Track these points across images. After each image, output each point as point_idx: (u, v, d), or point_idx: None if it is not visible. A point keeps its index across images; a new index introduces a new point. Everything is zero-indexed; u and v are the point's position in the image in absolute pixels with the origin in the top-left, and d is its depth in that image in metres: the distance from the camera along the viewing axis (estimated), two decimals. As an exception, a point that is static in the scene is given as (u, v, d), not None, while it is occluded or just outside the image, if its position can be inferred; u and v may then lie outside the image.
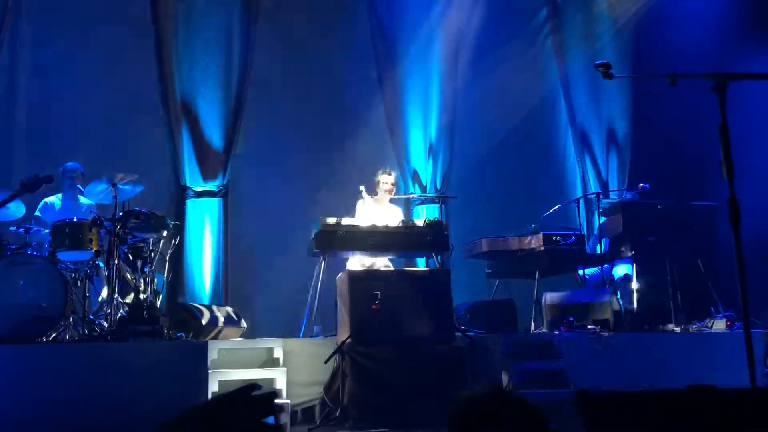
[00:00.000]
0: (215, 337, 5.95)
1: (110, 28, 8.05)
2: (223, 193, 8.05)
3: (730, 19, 8.86)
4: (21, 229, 5.91)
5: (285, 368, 5.45)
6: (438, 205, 6.96)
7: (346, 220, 6.21)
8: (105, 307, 5.70)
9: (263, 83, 8.41)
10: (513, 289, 7.40)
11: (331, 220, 6.13)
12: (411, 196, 8.32)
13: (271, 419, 1.18)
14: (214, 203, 8.00)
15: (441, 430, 1.17)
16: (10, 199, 5.71)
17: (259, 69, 8.36)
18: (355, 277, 5.51)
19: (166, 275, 6.45)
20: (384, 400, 5.07)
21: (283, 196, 8.30)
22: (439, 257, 6.30)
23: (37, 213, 6.46)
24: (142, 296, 5.77)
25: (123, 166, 6.56)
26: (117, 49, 8.06)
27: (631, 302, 7.03)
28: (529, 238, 6.97)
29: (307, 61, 8.69)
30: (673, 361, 6.06)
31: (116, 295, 5.63)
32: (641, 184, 7.27)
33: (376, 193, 6.73)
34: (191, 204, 7.96)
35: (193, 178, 8.00)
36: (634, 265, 7.24)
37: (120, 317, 5.52)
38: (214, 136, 8.07)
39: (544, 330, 6.58)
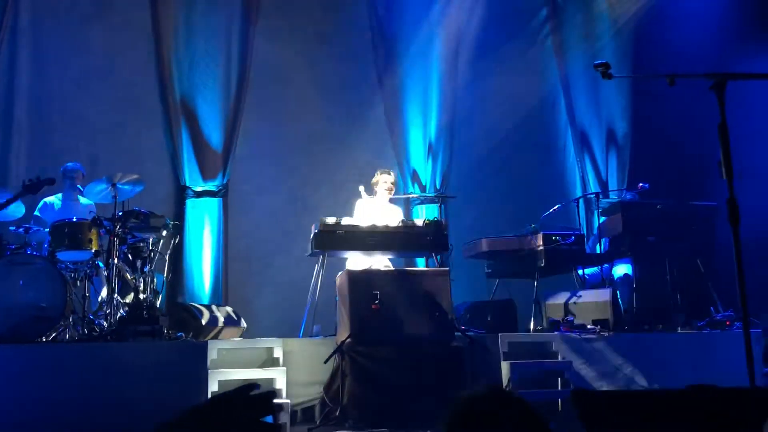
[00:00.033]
0: (215, 337, 5.95)
1: (110, 28, 8.06)
2: (222, 193, 8.06)
3: (730, 19, 8.86)
4: (21, 229, 5.92)
5: (285, 368, 5.45)
6: (437, 204, 6.95)
7: (345, 220, 6.21)
8: (105, 307, 5.70)
9: (263, 83, 8.41)
10: (513, 289, 7.40)
11: (331, 220, 6.13)
12: (410, 195, 8.32)
13: (269, 419, 1.18)
14: (214, 203, 8.00)
15: (441, 430, 1.17)
16: (13, 200, 5.73)
17: (259, 69, 8.36)
18: (354, 277, 5.51)
19: (165, 275, 6.45)
20: (384, 399, 5.07)
21: (283, 196, 8.31)
22: (438, 257, 6.30)
23: (36, 213, 6.46)
24: (141, 296, 5.78)
25: (123, 166, 6.57)
26: (117, 49, 8.07)
27: (631, 302, 7.03)
28: (529, 237, 6.97)
29: (306, 60, 8.69)
30: (672, 361, 6.06)
31: (116, 295, 5.64)
32: (641, 184, 7.27)
33: (374, 193, 6.73)
34: (191, 204, 7.97)
35: (192, 177, 8.01)
36: (634, 265, 7.24)
37: (120, 317, 5.52)
38: (214, 136, 8.07)
39: (543, 330, 6.57)
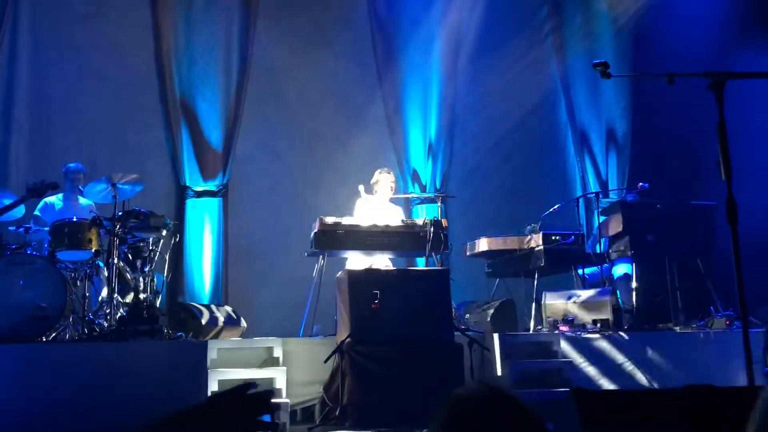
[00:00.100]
0: (215, 337, 5.95)
1: (110, 28, 8.06)
2: (222, 193, 8.06)
3: (730, 18, 8.86)
4: (21, 229, 5.92)
5: (284, 368, 5.46)
6: (437, 204, 6.94)
7: (346, 220, 6.21)
8: (105, 307, 5.70)
9: (263, 83, 8.41)
10: (512, 289, 7.41)
11: (331, 220, 6.14)
12: (410, 195, 8.32)
13: (267, 417, 1.19)
14: (214, 203, 8.00)
15: (434, 427, 1.16)
16: (16, 204, 5.77)
17: (259, 68, 8.36)
18: (354, 277, 5.51)
19: (165, 275, 6.46)
20: (383, 399, 5.08)
21: (283, 196, 8.30)
22: (438, 256, 6.30)
23: (36, 213, 6.46)
24: (141, 296, 5.78)
25: (123, 166, 6.58)
26: (117, 49, 8.06)
27: (631, 301, 7.04)
28: (529, 237, 6.97)
29: (307, 60, 8.69)
30: (672, 361, 6.06)
31: (116, 295, 5.64)
32: (641, 184, 7.26)
33: (374, 193, 6.73)
34: (191, 204, 7.97)
35: (192, 177, 8.01)
36: (634, 264, 7.24)
37: (120, 317, 5.53)
38: (214, 136, 8.07)
39: (543, 329, 6.58)
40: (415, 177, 8.76)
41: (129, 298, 5.87)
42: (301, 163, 8.54)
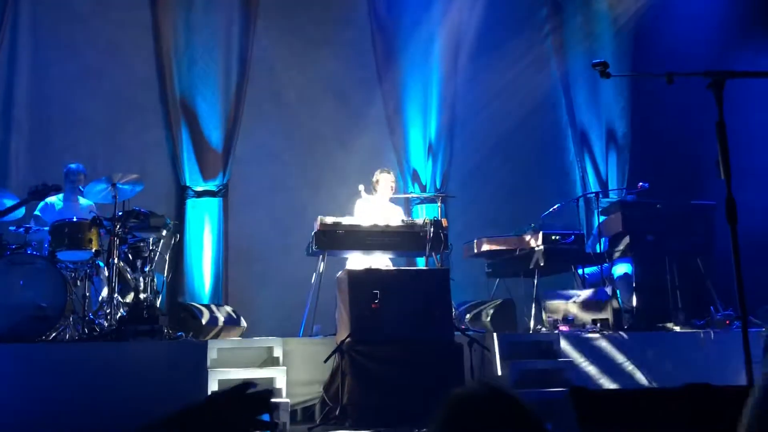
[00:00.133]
0: (215, 337, 5.95)
1: (110, 27, 8.06)
2: (222, 193, 8.06)
3: (730, 18, 8.85)
4: (21, 229, 5.92)
5: (285, 367, 5.46)
6: (437, 204, 6.94)
7: (346, 220, 6.22)
8: (105, 307, 5.70)
9: (263, 82, 8.42)
10: (512, 289, 7.41)
11: (331, 220, 6.14)
12: (410, 195, 8.33)
13: (266, 417, 1.19)
14: (214, 203, 8.01)
15: (433, 426, 1.17)
16: (18, 206, 5.79)
17: (259, 68, 8.36)
18: (354, 277, 5.51)
19: (165, 275, 6.46)
20: (383, 399, 5.08)
21: (283, 196, 8.31)
22: (438, 256, 6.30)
23: (37, 212, 6.46)
24: (141, 296, 5.78)
25: (123, 166, 6.58)
26: (117, 49, 8.07)
27: (631, 301, 7.04)
28: (529, 237, 6.97)
29: (306, 60, 8.69)
30: (672, 360, 6.06)
31: (116, 295, 5.64)
32: (640, 184, 7.26)
33: (374, 193, 6.73)
34: (191, 204, 7.97)
35: (192, 177, 8.01)
36: (634, 264, 7.23)
37: (120, 317, 5.53)
38: (214, 136, 8.07)
39: (543, 329, 6.58)
40: (415, 177, 8.76)
41: (129, 298, 5.87)
42: (301, 163, 8.54)
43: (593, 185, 9.10)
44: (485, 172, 8.89)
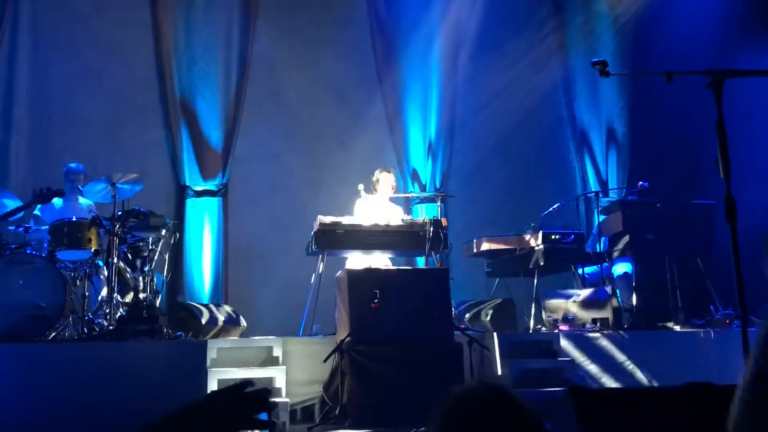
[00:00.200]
0: (215, 337, 5.95)
1: (110, 28, 8.06)
2: (222, 193, 8.06)
3: (730, 18, 8.85)
4: (20, 229, 5.92)
5: (284, 367, 5.46)
6: (437, 203, 6.94)
7: (345, 219, 6.21)
8: (104, 307, 5.70)
9: (263, 82, 8.42)
10: (512, 288, 7.41)
11: (330, 219, 6.14)
12: (410, 195, 8.33)
13: (264, 416, 1.19)
14: (214, 202, 8.01)
15: (432, 425, 1.16)
16: (21, 209, 5.79)
17: (259, 68, 8.36)
18: (354, 276, 5.51)
19: (165, 274, 6.46)
20: (383, 398, 5.07)
21: (283, 196, 8.31)
22: (438, 256, 6.30)
23: (36, 212, 6.46)
24: (141, 295, 5.78)
25: (122, 166, 6.58)
26: (116, 48, 8.07)
27: (631, 300, 7.03)
28: (529, 236, 6.97)
29: (306, 60, 8.69)
30: (672, 360, 6.05)
31: (115, 295, 5.64)
32: (640, 183, 7.26)
33: (375, 192, 6.73)
34: (191, 203, 7.97)
35: (192, 177, 8.01)
36: (634, 263, 7.23)
37: (119, 316, 5.53)
38: (214, 135, 8.07)
39: (543, 328, 6.58)
40: (415, 176, 8.76)
41: (129, 297, 5.87)
42: (301, 163, 8.54)
43: (593, 184, 9.10)
44: (485, 171, 8.89)
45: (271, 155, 8.44)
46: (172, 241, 6.40)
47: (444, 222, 6.31)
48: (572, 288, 6.92)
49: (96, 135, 7.84)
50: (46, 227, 5.86)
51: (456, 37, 8.93)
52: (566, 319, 6.40)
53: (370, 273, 5.65)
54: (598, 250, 7.46)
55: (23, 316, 5.21)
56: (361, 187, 6.54)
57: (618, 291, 6.81)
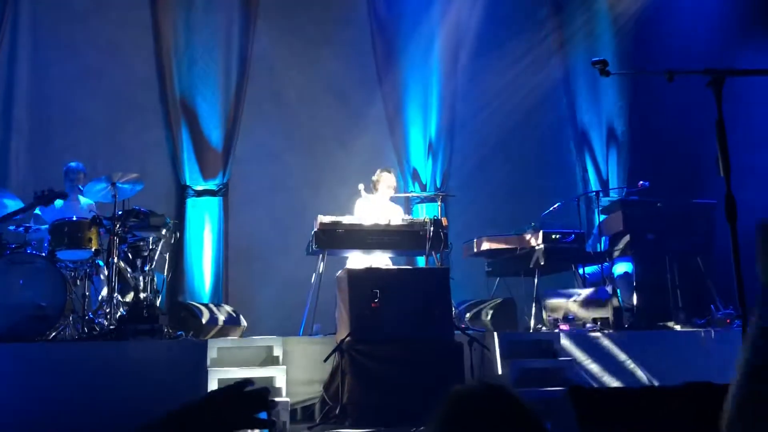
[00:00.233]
0: (215, 336, 5.95)
1: (110, 28, 8.06)
2: (222, 192, 8.06)
3: (731, 16, 8.85)
4: (21, 228, 5.92)
5: (284, 366, 5.46)
6: (438, 203, 6.94)
7: (345, 219, 6.21)
8: (105, 306, 5.70)
9: (263, 82, 8.42)
10: (513, 288, 7.41)
11: (330, 219, 6.14)
12: (411, 194, 8.33)
13: (264, 415, 1.19)
14: (214, 202, 8.01)
15: (432, 424, 1.16)
16: (23, 211, 5.78)
17: (259, 68, 8.36)
18: (354, 276, 5.51)
19: (165, 274, 6.46)
20: (383, 398, 5.07)
21: (283, 195, 8.31)
22: (438, 255, 6.30)
23: (36, 212, 6.46)
24: (141, 295, 5.78)
25: (123, 165, 6.58)
26: (117, 48, 8.07)
27: (631, 300, 7.03)
28: (529, 236, 6.96)
29: (306, 60, 8.69)
30: (673, 359, 6.05)
31: (116, 294, 5.64)
32: (641, 182, 7.26)
33: (375, 192, 6.73)
34: (191, 203, 7.98)
35: (192, 177, 8.01)
36: (634, 263, 7.23)
37: (120, 316, 5.53)
38: (214, 135, 8.08)
39: (543, 328, 6.58)
40: (415, 176, 8.76)
41: (129, 297, 5.87)
42: (301, 163, 8.54)
43: (594, 184, 9.10)
44: (485, 171, 8.89)
45: (271, 155, 8.44)
46: (172, 241, 6.40)
47: (444, 221, 6.30)
48: (573, 287, 6.92)
49: (96, 135, 7.85)
50: (47, 227, 5.87)
51: (456, 37, 8.93)
52: (567, 319, 6.40)
53: (371, 272, 5.65)
54: (599, 250, 7.46)
55: (23, 316, 5.21)
56: (361, 186, 6.54)
57: (618, 290, 6.81)
